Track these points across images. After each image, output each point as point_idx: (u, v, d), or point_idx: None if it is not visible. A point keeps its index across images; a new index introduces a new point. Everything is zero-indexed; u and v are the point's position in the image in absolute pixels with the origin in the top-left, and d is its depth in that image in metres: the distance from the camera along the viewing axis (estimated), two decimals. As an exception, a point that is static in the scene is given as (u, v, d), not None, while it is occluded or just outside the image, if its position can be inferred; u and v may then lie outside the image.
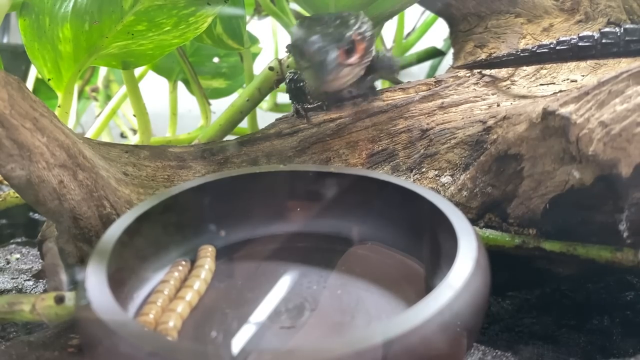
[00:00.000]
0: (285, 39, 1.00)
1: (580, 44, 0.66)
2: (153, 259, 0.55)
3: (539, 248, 0.59)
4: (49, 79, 0.79)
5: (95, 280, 0.44)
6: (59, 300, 0.54)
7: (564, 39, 0.68)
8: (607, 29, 0.64)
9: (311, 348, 0.36)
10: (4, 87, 0.56)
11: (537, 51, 0.69)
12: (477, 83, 0.76)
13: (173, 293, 0.52)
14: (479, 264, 0.43)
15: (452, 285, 0.40)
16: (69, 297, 0.55)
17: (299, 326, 0.47)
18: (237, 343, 0.45)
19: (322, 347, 0.35)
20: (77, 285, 0.62)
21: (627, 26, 0.63)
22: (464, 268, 0.42)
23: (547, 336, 0.65)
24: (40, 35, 0.74)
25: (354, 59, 0.66)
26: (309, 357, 0.35)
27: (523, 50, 0.71)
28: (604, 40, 0.64)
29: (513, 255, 0.61)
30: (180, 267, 0.55)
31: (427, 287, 0.52)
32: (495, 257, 0.48)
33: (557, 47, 0.68)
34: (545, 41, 0.69)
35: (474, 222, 0.63)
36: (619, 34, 0.63)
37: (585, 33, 0.65)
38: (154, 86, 1.16)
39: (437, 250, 0.52)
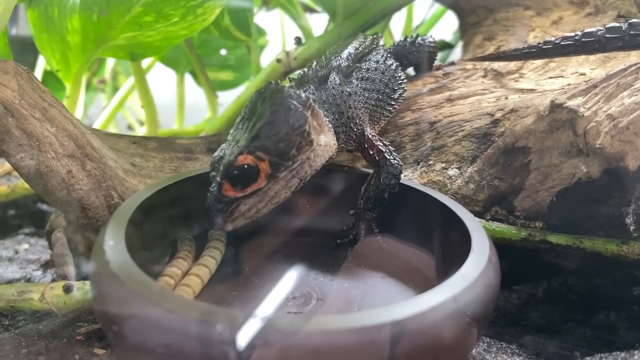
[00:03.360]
0: (293, 30, 1.00)
1: (584, 39, 0.65)
2: (167, 231, 0.56)
3: (545, 241, 0.59)
4: (57, 70, 0.79)
5: (114, 243, 0.44)
6: (68, 289, 0.55)
7: (567, 34, 0.67)
8: (612, 24, 0.63)
9: (328, 318, 0.37)
10: (14, 77, 0.57)
11: (544, 47, 0.69)
12: (485, 76, 0.76)
13: (186, 268, 0.52)
14: (491, 260, 0.44)
15: (466, 276, 0.41)
16: (77, 286, 0.55)
17: (306, 313, 0.48)
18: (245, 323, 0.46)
19: (336, 318, 0.36)
20: (86, 274, 0.63)
21: (633, 20, 0.62)
22: (478, 262, 0.43)
23: (553, 330, 0.65)
24: (49, 27, 0.75)
25: (254, 187, 0.49)
26: (325, 325, 0.36)
27: (530, 47, 0.70)
28: (608, 35, 0.63)
29: (519, 249, 0.61)
30: (188, 242, 0.56)
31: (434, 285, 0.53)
32: (501, 251, 0.48)
33: (562, 42, 0.67)
34: (552, 37, 0.69)
35: (480, 214, 0.63)
36: (623, 29, 0.62)
37: (588, 30, 0.65)
38: (161, 78, 1.16)
39: (448, 249, 0.52)
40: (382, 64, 0.68)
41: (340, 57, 0.64)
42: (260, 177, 0.49)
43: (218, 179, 0.48)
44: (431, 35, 0.82)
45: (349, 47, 0.67)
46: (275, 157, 0.49)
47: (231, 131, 0.52)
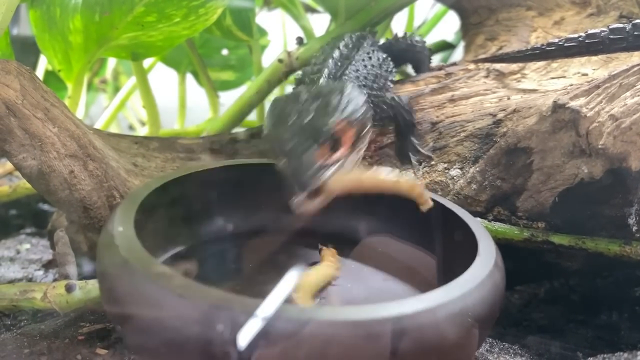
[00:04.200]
0: (295, 31, 1.00)
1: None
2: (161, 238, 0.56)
3: (547, 241, 0.59)
4: (59, 70, 0.79)
5: (123, 229, 0.43)
6: (70, 288, 0.55)
7: (571, 36, 0.67)
8: (615, 25, 0.63)
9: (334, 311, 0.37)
10: (17, 77, 0.57)
11: (547, 49, 0.69)
12: (487, 76, 0.76)
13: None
14: (497, 264, 0.45)
15: (475, 276, 0.41)
16: (79, 286, 0.55)
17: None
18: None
19: (340, 313, 0.36)
20: (88, 274, 0.63)
21: (637, 21, 0.62)
22: (486, 264, 0.43)
23: (555, 330, 0.65)
24: (51, 26, 0.75)
25: (339, 153, 0.53)
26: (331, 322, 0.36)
27: (533, 48, 0.70)
28: (612, 36, 0.63)
29: (521, 249, 0.61)
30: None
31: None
32: (503, 251, 0.48)
33: (565, 44, 0.67)
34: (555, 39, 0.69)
35: (483, 215, 0.63)
36: (627, 29, 0.62)
37: (592, 31, 0.65)
38: (162, 78, 1.16)
39: (453, 254, 0.52)
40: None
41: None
42: (344, 144, 0.53)
43: (305, 149, 0.50)
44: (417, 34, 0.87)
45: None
46: (358, 130, 0.55)
47: (284, 128, 0.53)
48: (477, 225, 0.51)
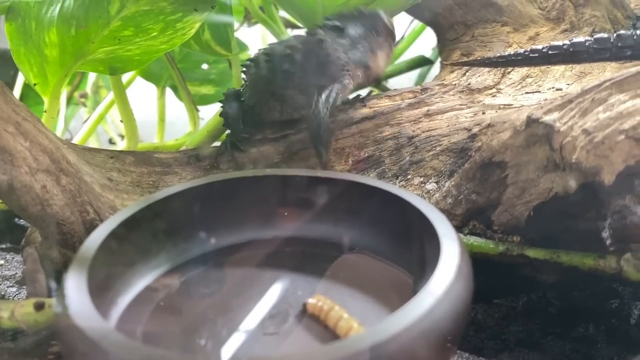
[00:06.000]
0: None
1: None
2: (137, 265, 0.55)
3: (522, 255, 0.59)
4: (34, 84, 0.79)
5: (75, 289, 0.43)
6: (39, 306, 0.53)
7: (555, 44, 0.67)
8: (600, 35, 0.64)
9: (289, 356, 0.36)
10: (-14, 91, 0.56)
11: (530, 55, 0.69)
12: (462, 91, 0.76)
13: None
14: (461, 270, 0.43)
15: (432, 293, 0.40)
16: (49, 303, 0.54)
17: (283, 333, 0.47)
18: (221, 351, 0.45)
19: (301, 354, 0.35)
20: (58, 293, 0.62)
21: (621, 32, 0.63)
22: (446, 275, 0.42)
23: (533, 344, 0.65)
24: (27, 40, 0.74)
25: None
26: None
27: (516, 54, 0.70)
28: (596, 46, 0.64)
29: (498, 263, 0.61)
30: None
31: (413, 295, 0.52)
32: (480, 264, 0.48)
33: (549, 52, 0.67)
34: (539, 45, 0.69)
35: (458, 229, 0.63)
36: (611, 40, 0.63)
37: (577, 40, 0.65)
38: (142, 92, 1.16)
39: (422, 257, 0.52)
40: None
41: None
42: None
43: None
44: None
45: None
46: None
47: None
48: (442, 225, 0.49)
